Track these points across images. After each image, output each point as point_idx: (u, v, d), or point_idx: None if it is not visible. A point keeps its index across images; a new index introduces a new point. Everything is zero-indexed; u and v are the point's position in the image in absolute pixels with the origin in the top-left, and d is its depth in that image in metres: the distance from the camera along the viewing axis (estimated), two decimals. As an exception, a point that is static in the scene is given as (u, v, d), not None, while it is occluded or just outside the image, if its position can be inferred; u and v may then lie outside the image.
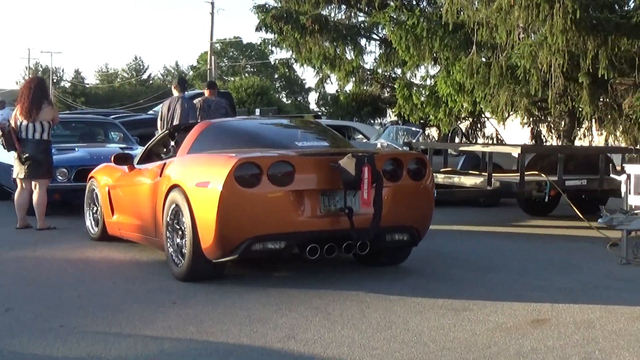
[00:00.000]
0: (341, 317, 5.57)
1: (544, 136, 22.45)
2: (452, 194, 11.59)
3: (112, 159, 8.48)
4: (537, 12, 13.01)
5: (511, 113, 16.68)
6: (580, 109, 15.71)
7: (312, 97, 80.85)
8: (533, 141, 21.75)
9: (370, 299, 6.16)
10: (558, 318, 5.58)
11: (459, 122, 20.44)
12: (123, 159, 8.49)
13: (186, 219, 6.72)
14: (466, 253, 8.60)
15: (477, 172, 11.60)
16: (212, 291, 6.45)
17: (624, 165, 9.59)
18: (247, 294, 6.34)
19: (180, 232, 6.96)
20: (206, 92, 13.98)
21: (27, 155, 10.13)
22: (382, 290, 6.45)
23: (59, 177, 11.39)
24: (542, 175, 10.01)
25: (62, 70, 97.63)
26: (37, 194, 10.27)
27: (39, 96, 10.30)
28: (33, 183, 10.28)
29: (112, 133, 14.44)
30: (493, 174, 10.18)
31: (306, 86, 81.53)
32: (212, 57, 52.27)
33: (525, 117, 16.87)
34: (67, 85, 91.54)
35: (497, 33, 14.82)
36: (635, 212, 8.09)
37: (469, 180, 11.17)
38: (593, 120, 17.93)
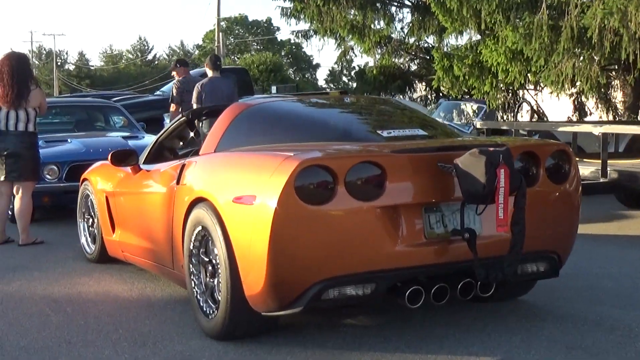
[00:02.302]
0: None
1: (588, 109, 20.17)
2: None
3: (109, 158, 6.15)
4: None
5: (578, 83, 14.33)
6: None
7: (321, 74, 79.70)
8: (577, 116, 19.42)
9: None
10: None
11: (506, 95, 18.12)
12: (123, 158, 6.11)
13: (219, 250, 4.45)
14: (594, 275, 6.30)
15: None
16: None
17: None
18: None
19: (210, 268, 4.70)
20: (209, 72, 11.31)
21: (8, 151, 7.86)
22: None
23: (48, 175, 9.12)
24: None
25: (66, 53, 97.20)
26: (19, 200, 7.99)
27: (23, 77, 7.98)
28: (15, 186, 8.03)
29: (114, 118, 12.16)
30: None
31: (314, 62, 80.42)
32: (220, 34, 49.66)
33: (592, 88, 14.48)
34: (72, 68, 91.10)
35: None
36: None
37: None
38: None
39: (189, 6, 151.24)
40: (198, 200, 4.77)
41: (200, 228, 4.72)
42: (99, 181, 6.78)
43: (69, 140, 9.94)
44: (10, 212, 8.41)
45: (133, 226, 6.06)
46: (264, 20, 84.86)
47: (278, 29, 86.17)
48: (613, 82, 16.99)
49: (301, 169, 4.04)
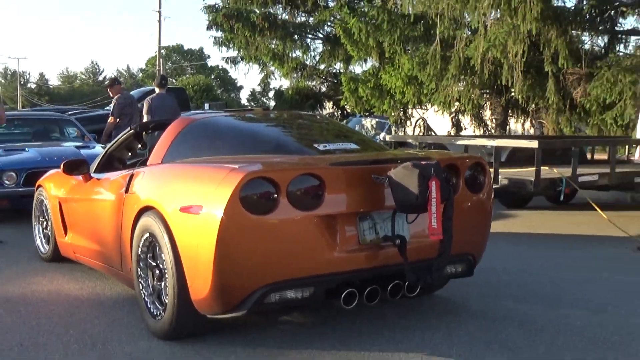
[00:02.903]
0: None
1: (463, 125, 20.11)
2: None
3: (62, 167, 5.41)
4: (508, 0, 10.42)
5: (460, 104, 14.13)
6: (522, 98, 13.18)
7: (244, 94, 79.36)
8: (455, 130, 19.31)
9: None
10: None
11: (400, 113, 17.88)
12: (75, 167, 5.36)
13: (167, 256, 3.84)
14: (494, 270, 5.92)
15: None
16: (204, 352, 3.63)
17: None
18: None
19: (157, 272, 4.07)
20: (157, 89, 10.73)
21: None
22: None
23: (6, 181, 8.21)
24: (554, 170, 7.38)
25: (29, 74, 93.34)
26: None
27: None
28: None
29: (68, 130, 11.26)
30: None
31: (238, 84, 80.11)
32: (160, 59, 48.27)
33: (473, 108, 14.29)
34: (33, 86, 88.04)
35: (459, 24, 12.26)
36: None
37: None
38: (527, 110, 15.63)
39: (134, 35, 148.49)
40: (146, 209, 4.15)
41: (147, 235, 4.10)
42: (52, 188, 6.04)
43: (26, 149, 9.04)
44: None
45: (84, 230, 5.36)
46: (197, 49, 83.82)
47: (209, 56, 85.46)
48: (485, 103, 16.89)
49: (246, 181, 3.48)
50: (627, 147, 11.14)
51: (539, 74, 12.39)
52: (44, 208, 6.30)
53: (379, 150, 4.38)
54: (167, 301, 3.90)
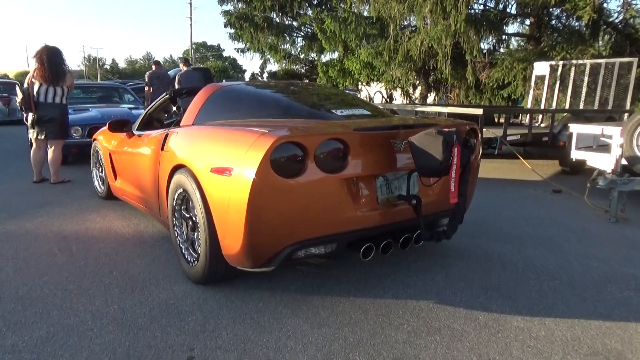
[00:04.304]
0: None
1: (394, 98, 18.74)
2: None
3: (107, 125, 4.02)
4: (443, 7, 8.98)
5: (400, 83, 12.77)
6: (450, 78, 11.81)
7: (247, 76, 76.76)
8: (388, 100, 17.93)
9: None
10: None
11: (354, 87, 16.45)
12: (119, 126, 4.00)
13: (199, 212, 2.58)
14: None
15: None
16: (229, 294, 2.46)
17: (568, 124, 5.68)
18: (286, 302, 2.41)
19: (191, 223, 2.82)
20: (183, 68, 9.80)
21: (47, 117, 5.56)
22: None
23: (74, 134, 6.76)
24: (490, 131, 6.19)
25: (104, 59, 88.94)
26: (52, 152, 5.67)
27: (58, 62, 5.61)
28: (49, 142, 5.75)
29: (126, 96, 9.65)
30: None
31: (243, 68, 77.51)
32: (192, 51, 45.28)
33: (410, 86, 12.94)
34: (108, 67, 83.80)
35: (405, 25, 10.79)
36: (631, 177, 4.42)
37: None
38: (446, 87, 14.32)
39: (173, 33, 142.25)
40: (179, 166, 2.86)
41: (181, 190, 2.82)
42: (104, 141, 4.67)
43: (90, 109, 7.51)
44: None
45: (129, 178, 4.02)
46: (216, 45, 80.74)
47: (224, 49, 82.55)
48: (416, 82, 15.54)
49: (277, 145, 2.21)
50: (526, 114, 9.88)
51: (459, 62, 11.07)
52: (99, 157, 4.93)
53: (387, 116, 3.12)
54: (199, 252, 2.67)
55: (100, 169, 4.98)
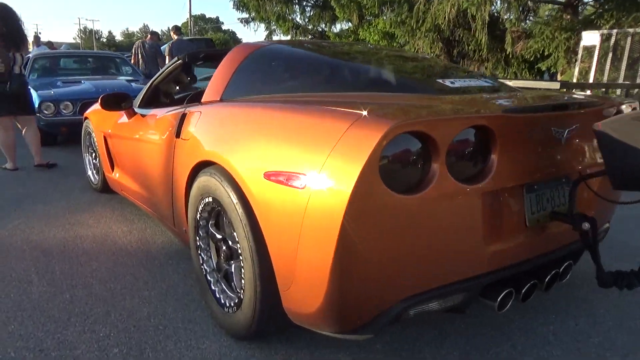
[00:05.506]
0: None
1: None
2: None
3: (100, 102, 2.97)
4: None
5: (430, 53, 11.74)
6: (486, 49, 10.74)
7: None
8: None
9: None
10: None
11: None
12: (115, 102, 2.94)
13: (243, 239, 1.62)
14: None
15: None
16: None
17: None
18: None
19: (225, 248, 1.88)
20: (174, 36, 8.64)
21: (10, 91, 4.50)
22: None
23: (64, 110, 5.74)
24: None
25: (100, 31, 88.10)
26: (26, 132, 4.70)
27: (16, 24, 4.52)
28: (19, 123, 4.73)
29: (124, 68, 8.58)
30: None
31: (243, 41, 76.75)
32: (190, 24, 43.70)
33: (434, 57, 11.95)
34: (105, 40, 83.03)
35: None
36: None
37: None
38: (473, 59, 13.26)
39: (172, 5, 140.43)
40: (206, 163, 1.91)
41: (210, 199, 1.87)
42: (98, 120, 3.68)
43: (82, 82, 6.48)
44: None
45: (131, 170, 3.07)
46: (215, 17, 79.53)
47: (223, 22, 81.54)
48: (440, 55, 14.52)
49: (392, 138, 1.25)
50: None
51: (490, 32, 10.01)
52: (92, 140, 3.95)
53: (512, 90, 2.14)
54: (243, 295, 1.74)
55: (94, 154, 4.01)
